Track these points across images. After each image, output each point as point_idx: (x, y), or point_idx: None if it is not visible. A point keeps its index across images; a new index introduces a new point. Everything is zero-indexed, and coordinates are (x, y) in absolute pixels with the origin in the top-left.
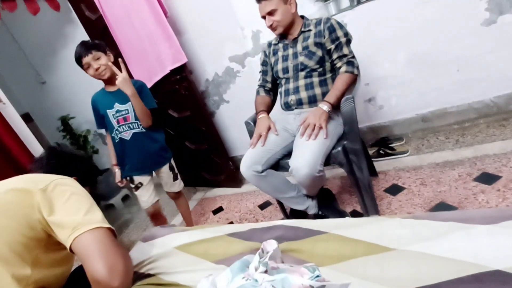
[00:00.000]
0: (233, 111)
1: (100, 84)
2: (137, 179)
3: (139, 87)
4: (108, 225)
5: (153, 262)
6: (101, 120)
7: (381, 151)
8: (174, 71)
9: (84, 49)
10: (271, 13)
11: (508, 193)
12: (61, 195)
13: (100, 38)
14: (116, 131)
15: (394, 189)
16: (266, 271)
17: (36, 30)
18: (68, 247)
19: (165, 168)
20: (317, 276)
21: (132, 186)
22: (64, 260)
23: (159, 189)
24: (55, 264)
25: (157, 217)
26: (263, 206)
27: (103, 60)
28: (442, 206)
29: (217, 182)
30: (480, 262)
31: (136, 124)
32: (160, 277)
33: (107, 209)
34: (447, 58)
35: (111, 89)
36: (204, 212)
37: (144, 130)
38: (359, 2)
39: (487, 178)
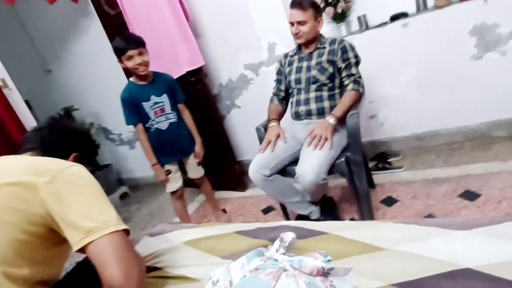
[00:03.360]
0: (244, 116)
1: (112, 79)
2: (167, 167)
3: (174, 80)
4: (124, 226)
5: (160, 255)
6: (137, 113)
7: (379, 165)
8: (189, 73)
9: (132, 43)
10: (300, 23)
11: (487, 209)
12: (70, 188)
13: (116, 33)
14: (153, 122)
15: (389, 201)
16: (284, 254)
17: (48, 18)
18: (76, 248)
19: (192, 155)
20: (329, 260)
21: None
22: (62, 255)
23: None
24: (53, 259)
25: (182, 200)
26: (266, 211)
27: (147, 57)
28: (429, 218)
29: (222, 185)
30: (454, 261)
31: (172, 114)
32: (167, 270)
33: None
34: (441, 84)
35: (143, 82)
36: (206, 214)
37: (178, 120)
38: (367, 28)
39: (470, 195)
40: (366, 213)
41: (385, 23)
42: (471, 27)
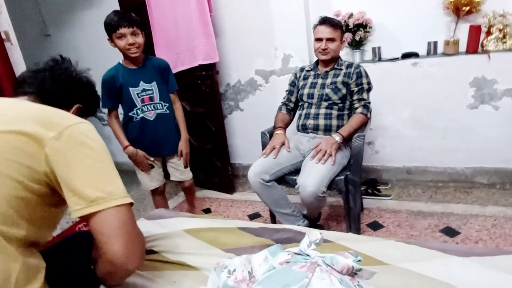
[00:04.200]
0: (245, 120)
1: (110, 56)
2: (151, 158)
3: (166, 66)
4: (130, 199)
5: (158, 239)
6: (116, 97)
7: (369, 190)
8: (201, 68)
9: (125, 20)
10: (330, 40)
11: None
12: (78, 149)
13: (133, 13)
14: (139, 110)
15: (375, 225)
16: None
17: None
18: (76, 216)
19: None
20: (359, 260)
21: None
22: (58, 217)
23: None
24: (50, 220)
25: (163, 196)
26: (252, 217)
27: (141, 39)
28: None
29: (210, 184)
30: (451, 283)
31: (160, 104)
32: (165, 255)
33: None
34: (436, 126)
35: (133, 66)
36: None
37: (168, 112)
38: (380, 59)
39: (450, 232)
40: (354, 233)
41: (396, 59)
42: (472, 78)
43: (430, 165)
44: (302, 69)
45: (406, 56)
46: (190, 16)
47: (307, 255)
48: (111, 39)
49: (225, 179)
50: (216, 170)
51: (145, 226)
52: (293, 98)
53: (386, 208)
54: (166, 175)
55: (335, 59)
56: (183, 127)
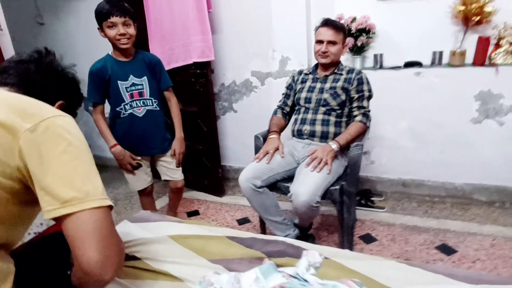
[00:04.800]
0: (238, 122)
1: (102, 48)
2: (138, 158)
3: (158, 62)
4: (109, 202)
5: (140, 245)
6: (104, 90)
7: (362, 201)
8: (196, 65)
9: (118, 9)
10: (331, 43)
11: (462, 267)
12: (54, 144)
13: (129, 4)
14: (127, 106)
15: (368, 238)
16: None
17: None
18: (48, 217)
19: (169, 153)
20: None
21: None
22: (30, 216)
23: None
24: (20, 219)
25: (151, 197)
26: (241, 222)
27: (132, 30)
28: None
29: (199, 185)
30: None
31: (150, 100)
32: (147, 262)
33: None
34: (436, 139)
35: (123, 58)
36: (177, 211)
37: (158, 108)
38: (381, 67)
39: (446, 250)
40: (346, 245)
41: (399, 67)
42: (478, 91)
43: (427, 178)
44: (300, 72)
45: (409, 65)
46: (187, 11)
47: (305, 280)
48: (101, 28)
49: (215, 181)
50: (206, 171)
51: (129, 229)
52: (289, 102)
53: (380, 220)
54: (155, 174)
55: (336, 63)
56: (179, 126)
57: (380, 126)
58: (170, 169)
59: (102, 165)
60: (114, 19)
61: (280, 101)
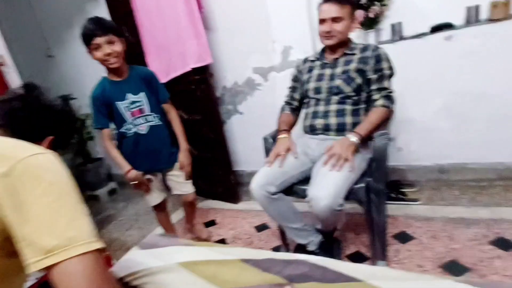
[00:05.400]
0: (245, 124)
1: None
2: (147, 176)
3: (152, 75)
4: (97, 245)
5: (150, 275)
6: (107, 115)
7: (392, 194)
8: (194, 71)
9: (99, 28)
10: (335, 20)
11: None
12: (31, 187)
13: (122, 21)
14: (130, 125)
15: (403, 237)
16: None
17: (56, 1)
18: (34, 270)
19: (176, 166)
20: None
21: None
22: (18, 270)
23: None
24: (6, 274)
25: (165, 211)
26: (260, 228)
27: (118, 47)
28: (455, 265)
29: (213, 194)
30: None
31: (152, 116)
32: None
33: (91, 200)
34: (480, 115)
35: (117, 78)
36: (194, 222)
37: (160, 123)
38: (401, 38)
39: (504, 244)
40: (379, 249)
41: (424, 34)
42: None
43: (470, 161)
44: (305, 61)
45: (436, 29)
46: (179, 17)
47: None
48: (89, 51)
49: (229, 188)
50: (218, 179)
51: (138, 257)
52: (297, 96)
53: (415, 215)
54: (167, 188)
55: (345, 42)
56: (182, 138)
57: (407, 108)
58: (180, 183)
59: (123, 182)
60: (97, 40)
61: (286, 96)
